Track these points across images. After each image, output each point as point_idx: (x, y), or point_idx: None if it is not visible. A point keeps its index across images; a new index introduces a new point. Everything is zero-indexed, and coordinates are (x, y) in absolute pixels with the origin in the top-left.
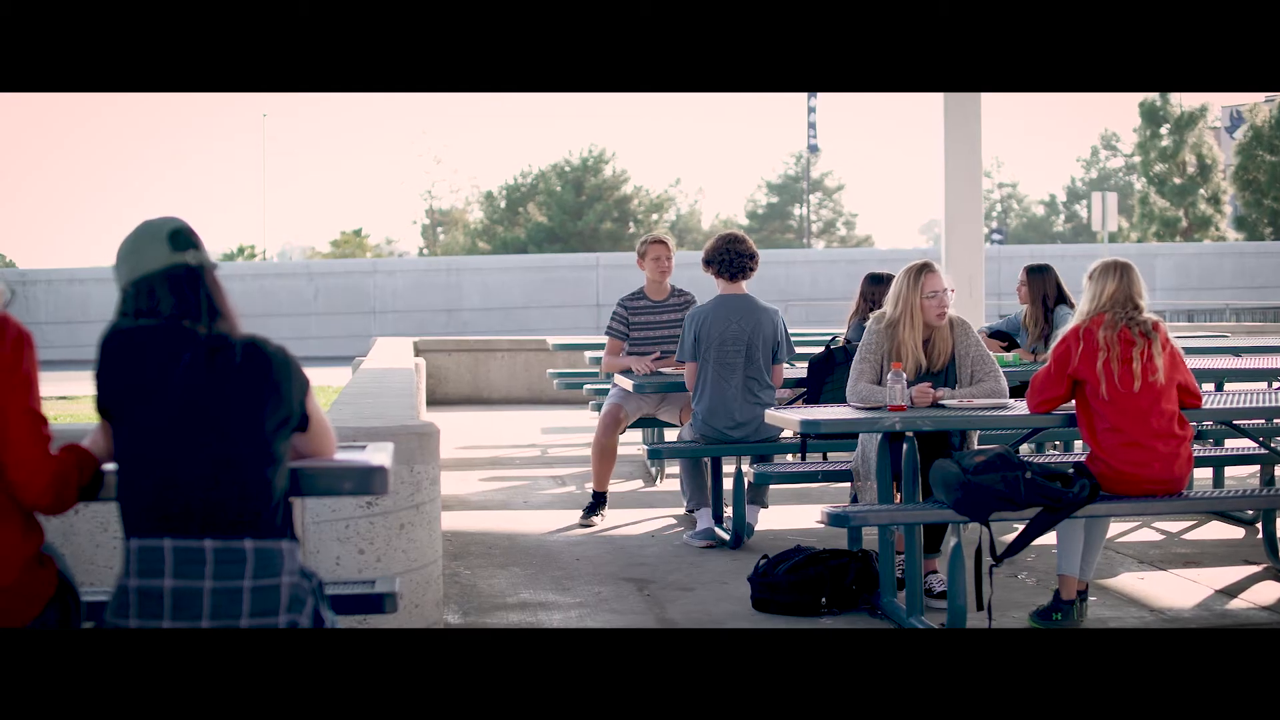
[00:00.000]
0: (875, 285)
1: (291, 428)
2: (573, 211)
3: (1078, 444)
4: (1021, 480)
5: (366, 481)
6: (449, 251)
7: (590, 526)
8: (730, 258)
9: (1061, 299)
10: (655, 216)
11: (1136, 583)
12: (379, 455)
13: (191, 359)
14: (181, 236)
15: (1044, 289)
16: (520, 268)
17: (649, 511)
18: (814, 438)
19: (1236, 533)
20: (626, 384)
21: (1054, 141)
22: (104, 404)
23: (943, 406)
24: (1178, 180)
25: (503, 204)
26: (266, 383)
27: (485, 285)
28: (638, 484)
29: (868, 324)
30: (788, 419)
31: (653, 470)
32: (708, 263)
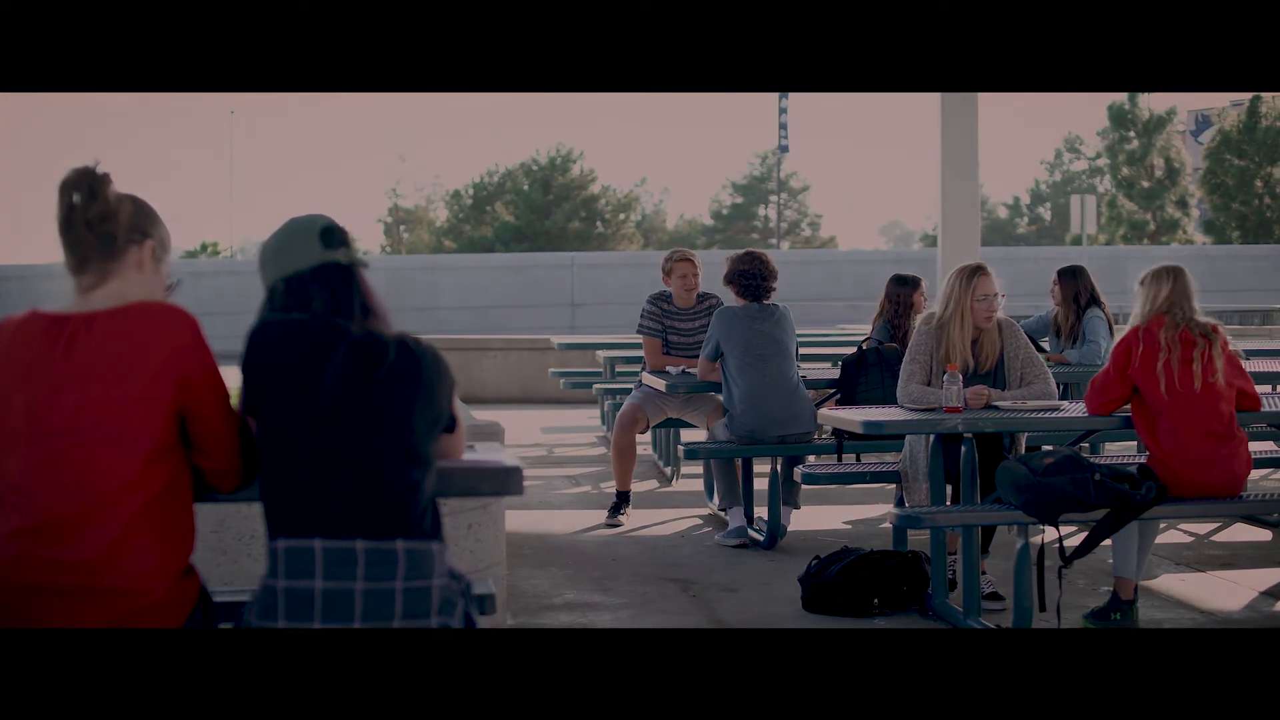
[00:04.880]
0: (900, 287)
1: (440, 428)
2: (540, 210)
3: (1103, 446)
4: (1090, 482)
5: (504, 482)
6: (414, 250)
7: (618, 526)
8: (755, 286)
9: (1094, 300)
10: (622, 216)
11: (1179, 584)
12: (500, 455)
13: (344, 356)
14: (333, 234)
15: (1076, 289)
16: (496, 267)
17: (672, 512)
18: (867, 439)
19: (1264, 535)
20: (659, 384)
21: (1017, 144)
22: (252, 400)
23: (997, 408)
24: (1145, 184)
25: (469, 202)
26: (418, 382)
27: (461, 284)
28: (653, 484)
29: (917, 324)
30: (849, 419)
31: (668, 471)
32: (730, 281)
